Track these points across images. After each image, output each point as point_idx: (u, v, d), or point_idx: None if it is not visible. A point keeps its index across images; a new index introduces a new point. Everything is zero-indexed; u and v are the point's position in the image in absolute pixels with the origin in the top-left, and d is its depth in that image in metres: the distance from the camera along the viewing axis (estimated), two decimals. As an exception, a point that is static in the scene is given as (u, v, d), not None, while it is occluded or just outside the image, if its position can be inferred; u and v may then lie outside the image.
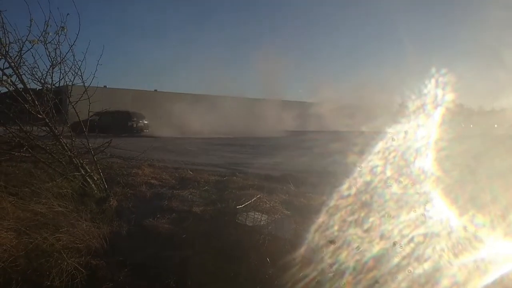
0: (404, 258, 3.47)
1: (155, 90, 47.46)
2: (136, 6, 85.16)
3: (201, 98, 39.57)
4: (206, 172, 8.74)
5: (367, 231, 4.06)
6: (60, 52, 5.75)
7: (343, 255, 3.73)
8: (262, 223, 4.65)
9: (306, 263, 3.72)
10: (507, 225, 3.74)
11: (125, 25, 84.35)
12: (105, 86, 39.25)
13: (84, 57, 5.89)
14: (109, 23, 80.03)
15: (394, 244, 3.60)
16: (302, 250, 3.98)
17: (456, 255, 3.45)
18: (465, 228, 3.85)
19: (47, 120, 5.67)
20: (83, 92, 5.87)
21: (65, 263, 3.62)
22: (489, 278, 3.13)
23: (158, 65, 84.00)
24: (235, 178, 7.83)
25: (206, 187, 6.96)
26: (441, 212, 4.24)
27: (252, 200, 5.41)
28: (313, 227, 4.56)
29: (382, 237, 3.87)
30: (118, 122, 27.67)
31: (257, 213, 4.97)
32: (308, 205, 5.72)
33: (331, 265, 3.63)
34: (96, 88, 5.93)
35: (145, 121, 31.38)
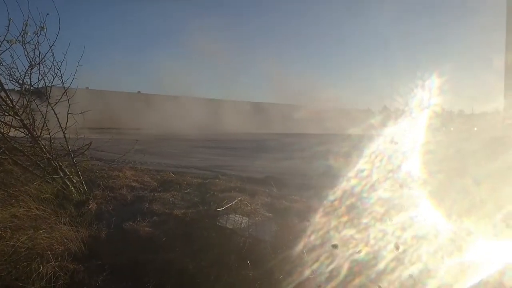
0: (390, 261, 3.48)
1: (138, 92, 47.13)
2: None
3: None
4: (188, 174, 8.69)
5: (350, 234, 4.08)
6: (39, 52, 5.68)
7: (324, 258, 3.74)
8: (242, 225, 4.64)
9: (287, 266, 3.72)
10: (493, 226, 3.79)
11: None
12: (87, 88, 38.71)
13: (64, 57, 5.83)
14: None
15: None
16: (283, 252, 3.99)
17: (442, 257, 3.48)
18: (452, 230, 3.89)
19: (25, 122, 5.57)
20: (62, 94, 5.79)
21: (45, 268, 3.56)
22: (476, 279, 3.16)
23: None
24: (217, 180, 7.79)
25: (188, 190, 6.91)
26: (428, 214, 4.29)
27: (233, 203, 5.39)
28: (295, 230, 4.57)
29: (366, 241, 3.88)
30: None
31: (238, 215, 4.95)
32: (290, 208, 5.73)
33: (312, 269, 3.63)
34: (75, 90, 5.85)
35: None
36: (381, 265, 3.45)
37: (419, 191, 4.84)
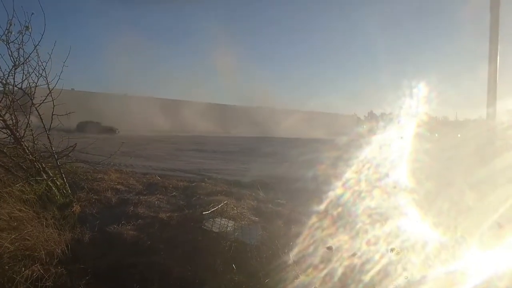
0: (377, 271, 3.48)
1: (125, 94, 47.07)
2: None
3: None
4: (174, 177, 8.64)
5: (338, 240, 4.07)
6: (24, 52, 5.58)
7: (312, 264, 3.72)
8: (228, 229, 4.62)
9: (272, 270, 3.71)
10: (480, 235, 3.81)
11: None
12: (72, 89, 38.45)
13: (50, 57, 5.74)
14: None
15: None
16: (268, 256, 3.97)
17: (430, 267, 3.49)
18: (438, 239, 3.91)
19: (8, 123, 5.47)
20: (47, 94, 5.70)
21: (28, 270, 3.49)
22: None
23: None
24: (203, 184, 7.76)
25: (174, 193, 6.87)
26: (415, 224, 4.30)
27: (219, 206, 5.37)
28: (281, 234, 4.56)
29: (353, 248, 3.88)
30: None
31: (224, 219, 4.93)
32: (277, 212, 5.72)
33: (297, 273, 3.62)
34: (61, 90, 5.76)
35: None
36: (367, 276, 3.45)
37: (406, 199, 4.87)
